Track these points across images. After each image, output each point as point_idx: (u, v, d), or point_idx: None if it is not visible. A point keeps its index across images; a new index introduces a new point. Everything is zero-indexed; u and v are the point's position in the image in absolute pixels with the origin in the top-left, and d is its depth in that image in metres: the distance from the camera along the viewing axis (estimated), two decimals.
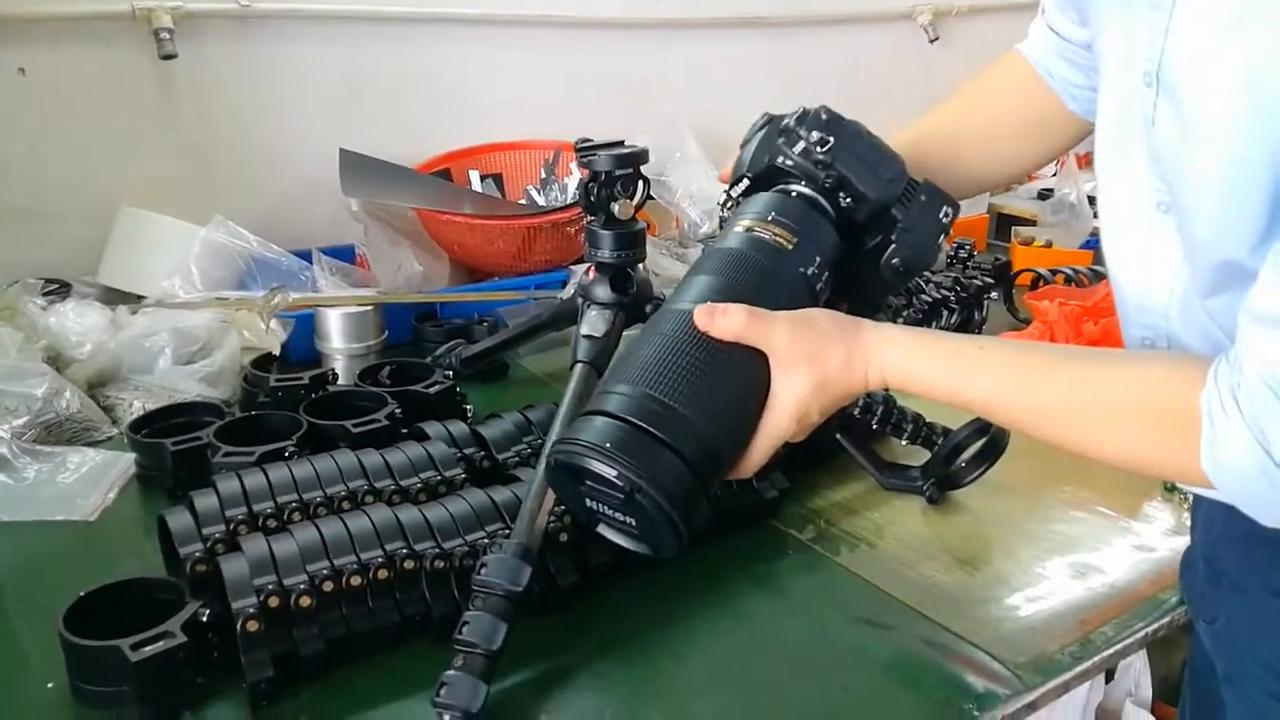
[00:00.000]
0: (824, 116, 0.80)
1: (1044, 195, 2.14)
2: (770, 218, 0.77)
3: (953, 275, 1.64)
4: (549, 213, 1.64)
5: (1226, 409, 0.58)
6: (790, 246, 0.76)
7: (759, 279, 0.74)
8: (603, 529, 0.71)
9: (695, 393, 0.66)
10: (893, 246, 0.79)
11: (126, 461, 1.16)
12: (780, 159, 0.81)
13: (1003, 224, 2.12)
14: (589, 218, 1.05)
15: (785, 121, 0.82)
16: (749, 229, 0.77)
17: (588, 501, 0.70)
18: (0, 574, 0.97)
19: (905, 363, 0.71)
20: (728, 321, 0.69)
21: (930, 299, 1.56)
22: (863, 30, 2.36)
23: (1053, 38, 0.89)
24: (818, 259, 0.77)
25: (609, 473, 0.64)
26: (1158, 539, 1.03)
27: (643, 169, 1.03)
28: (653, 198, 1.94)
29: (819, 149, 0.79)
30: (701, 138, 2.03)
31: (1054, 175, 2.36)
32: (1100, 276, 1.58)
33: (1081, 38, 0.84)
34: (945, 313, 1.57)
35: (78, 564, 1.00)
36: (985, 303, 1.62)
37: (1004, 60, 0.94)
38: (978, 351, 0.70)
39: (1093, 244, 1.89)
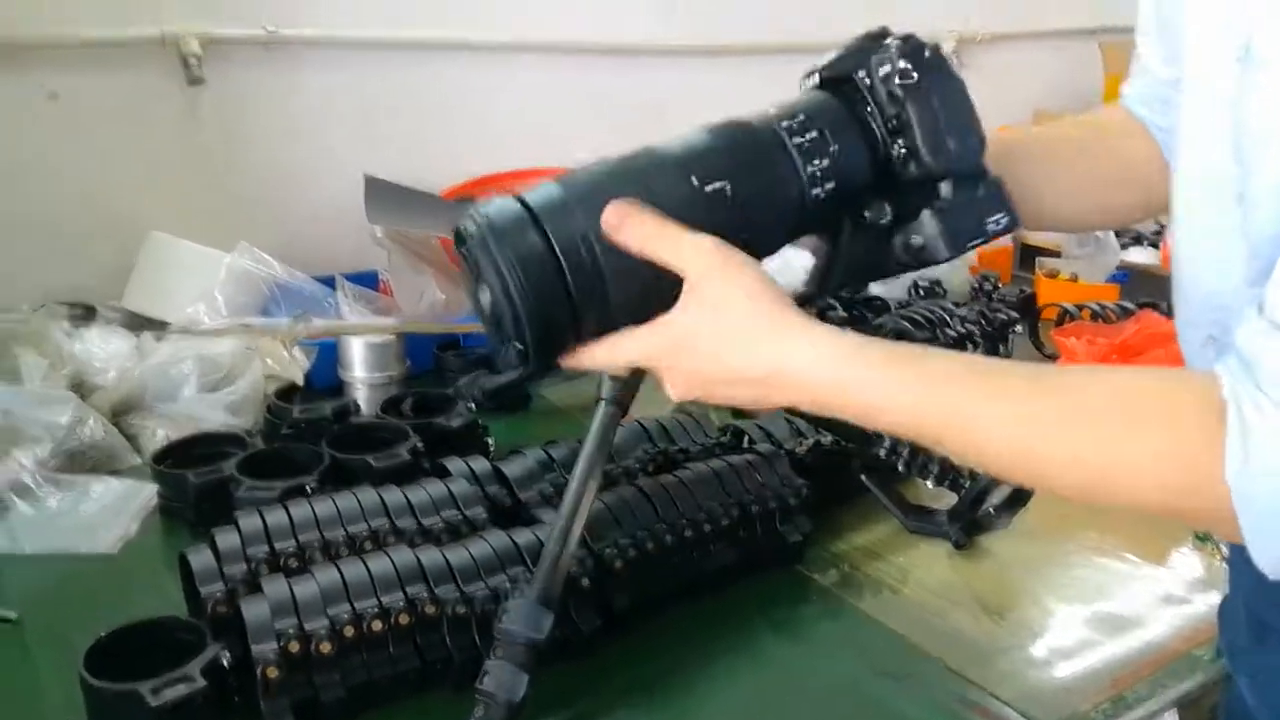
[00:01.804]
0: (926, 54, 0.70)
1: None
2: (802, 118, 0.70)
3: (977, 308, 1.62)
4: None
5: (1261, 405, 0.51)
6: (809, 158, 0.69)
7: (751, 168, 0.68)
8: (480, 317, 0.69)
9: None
10: (916, 223, 0.70)
11: (149, 492, 1.15)
12: (860, 72, 0.71)
13: (1027, 255, 2.10)
14: None
15: (890, 38, 0.73)
16: (777, 117, 0.70)
17: (477, 285, 0.67)
18: (22, 607, 0.97)
19: (825, 397, 0.63)
20: (638, 230, 0.64)
21: (955, 333, 1.55)
22: None
23: (1148, 79, 0.85)
24: (829, 185, 0.69)
25: (471, 228, 0.64)
26: (1189, 590, 1.01)
27: None
28: None
29: (897, 80, 0.69)
30: None
31: None
32: (1128, 312, 1.56)
33: (1174, 75, 0.81)
34: (970, 347, 1.55)
35: (99, 598, 1.00)
36: (1010, 337, 1.60)
37: (1108, 106, 0.91)
38: (923, 375, 0.62)
39: (1120, 278, 1.87)
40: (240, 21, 1.60)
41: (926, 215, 0.70)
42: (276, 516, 0.94)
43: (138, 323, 1.52)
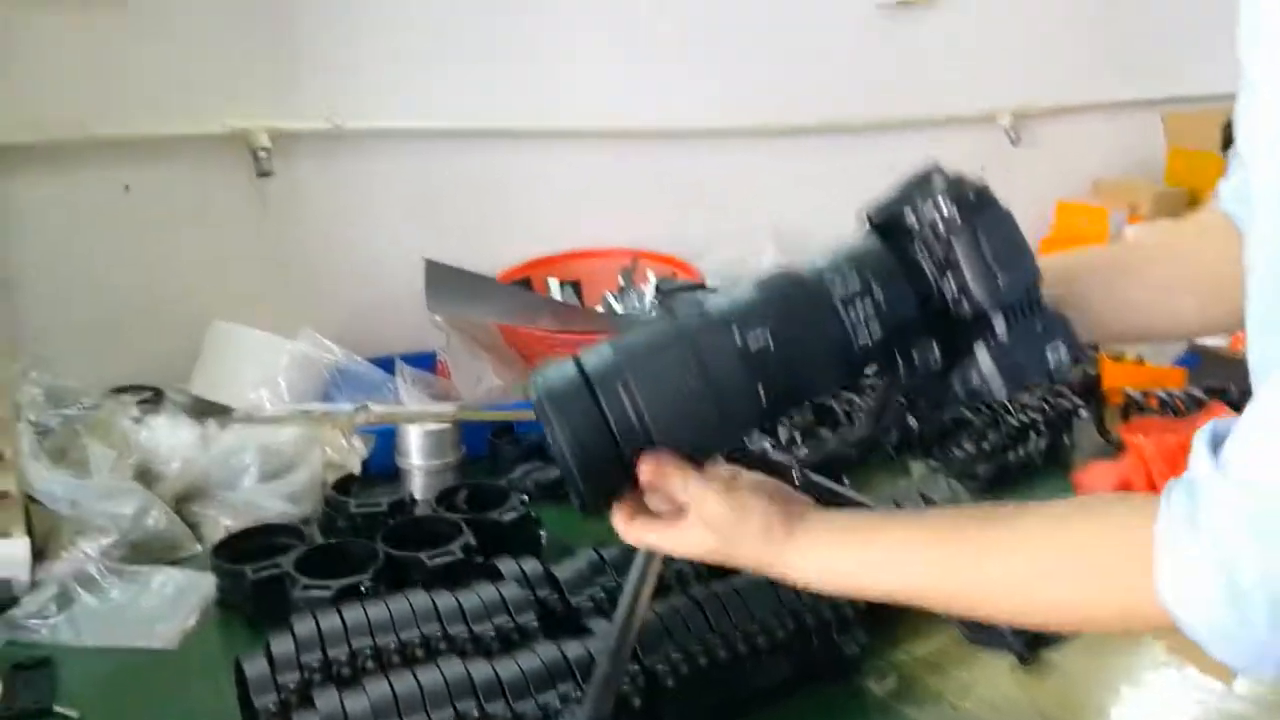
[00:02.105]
0: (971, 194, 0.70)
1: None
2: (847, 269, 0.71)
3: (1040, 394, 1.59)
4: None
5: (1184, 534, 0.56)
6: (853, 309, 0.70)
7: (797, 323, 0.70)
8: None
9: (657, 390, 0.69)
10: (971, 360, 0.70)
11: (208, 584, 1.17)
12: (908, 215, 0.72)
13: None
14: None
15: (935, 178, 0.73)
16: (824, 269, 0.71)
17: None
18: (81, 703, 0.98)
19: (822, 578, 0.73)
20: (666, 483, 0.71)
21: (1017, 422, 1.52)
22: (943, 133, 2.35)
23: (1243, 174, 0.84)
24: (877, 333, 0.70)
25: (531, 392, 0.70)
26: (1259, 710, 0.97)
27: None
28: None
29: (942, 223, 0.69)
30: (781, 246, 2.03)
31: None
32: (1197, 402, 1.52)
33: None
34: (1034, 436, 1.52)
35: (157, 697, 1.01)
36: (1075, 424, 1.57)
37: (1206, 209, 0.88)
38: (900, 546, 0.71)
39: (1187, 362, 1.82)
40: (307, 116, 1.66)
41: (982, 353, 0.69)
42: (330, 621, 0.94)
43: (203, 407, 1.55)
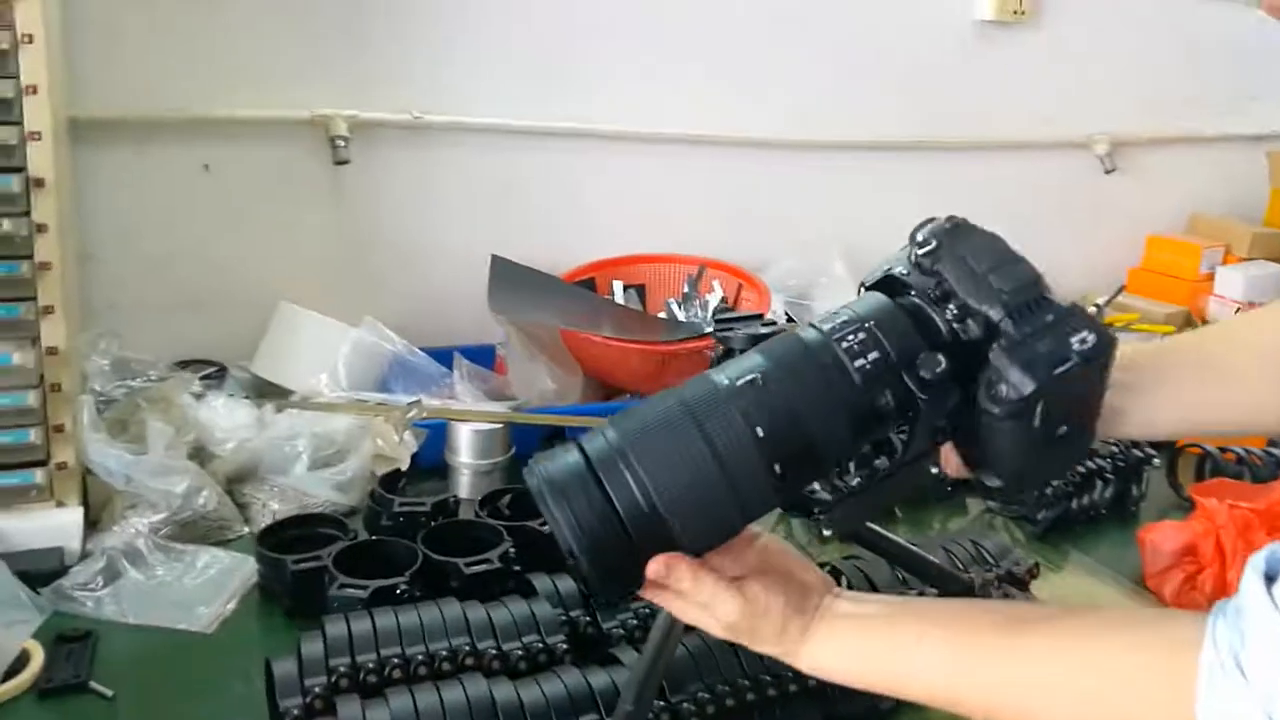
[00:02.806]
0: (947, 225, 0.69)
1: None
2: (845, 318, 0.68)
3: (1112, 442, 1.53)
4: (686, 340, 1.63)
5: (1230, 670, 0.53)
6: (857, 357, 0.66)
7: (800, 380, 0.66)
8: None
9: (663, 466, 0.64)
10: (989, 369, 0.64)
11: (250, 569, 1.19)
12: (895, 266, 0.71)
13: None
14: None
15: (914, 231, 0.71)
16: (822, 323, 0.69)
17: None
18: (115, 683, 1.00)
19: (845, 678, 0.71)
20: (678, 586, 0.67)
21: (1083, 468, 1.46)
22: (1034, 157, 2.27)
23: None
24: (886, 375, 0.66)
25: (531, 482, 0.66)
26: None
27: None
28: (792, 320, 1.93)
29: (927, 255, 0.68)
30: (850, 261, 1.98)
31: None
32: (1278, 463, 1.44)
33: None
34: (1100, 483, 1.46)
35: (189, 680, 1.03)
36: (1145, 474, 1.50)
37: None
38: (916, 644, 0.68)
39: None
40: (389, 106, 1.67)
41: (995, 354, 0.64)
42: (362, 625, 0.95)
43: (262, 386, 1.58)
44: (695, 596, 0.68)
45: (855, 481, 0.70)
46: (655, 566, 0.65)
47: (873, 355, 0.66)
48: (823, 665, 0.71)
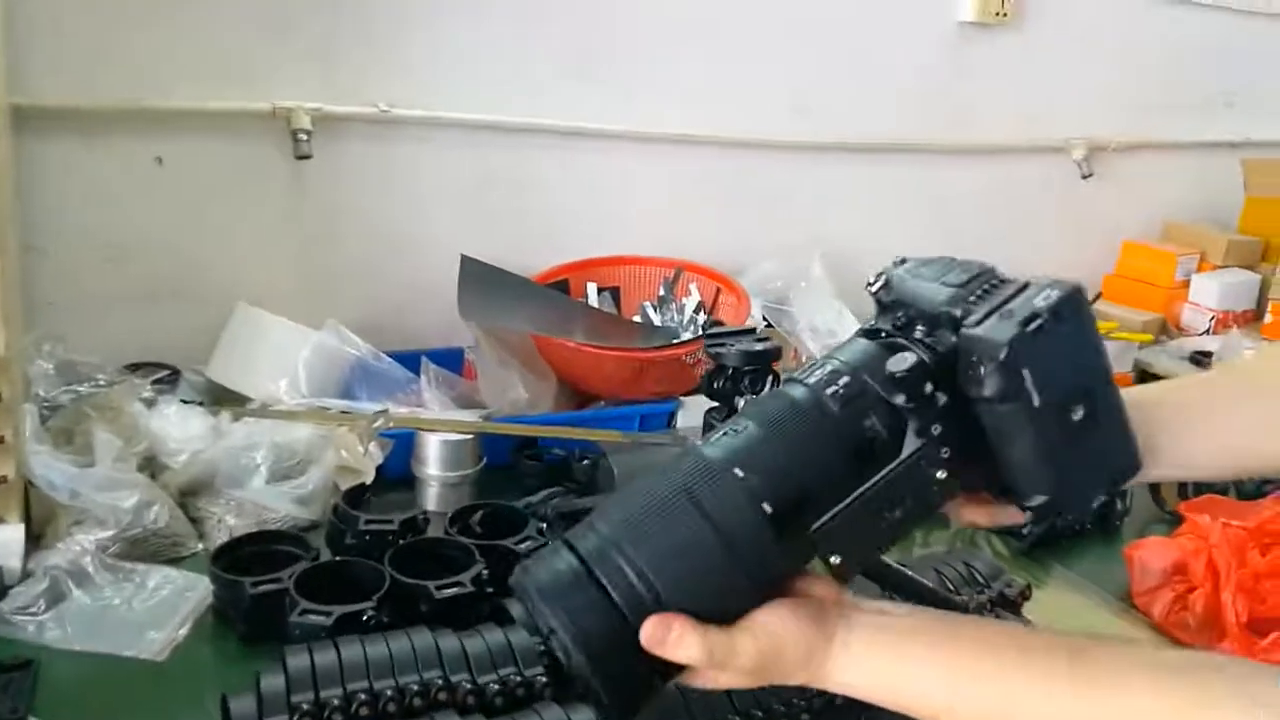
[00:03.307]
0: (893, 262, 0.70)
1: (1199, 359, 1.97)
2: (828, 369, 0.66)
3: None
4: (664, 348, 1.57)
5: None
6: (829, 385, 0.65)
7: (792, 435, 0.64)
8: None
9: (671, 553, 0.60)
10: (962, 355, 0.62)
11: (204, 590, 1.12)
12: (874, 320, 0.70)
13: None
14: (710, 404, 0.97)
15: None
16: (802, 379, 0.67)
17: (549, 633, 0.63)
18: (58, 716, 0.93)
19: (872, 691, 0.66)
20: (683, 651, 0.61)
21: None
22: (1012, 161, 2.25)
23: None
24: (864, 396, 0.65)
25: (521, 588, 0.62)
26: None
27: (774, 366, 0.95)
28: (770, 325, 1.88)
29: (875, 289, 0.69)
30: (830, 265, 1.94)
31: (1206, 332, 2.20)
32: (1262, 484, 1.42)
33: None
34: None
35: (138, 713, 0.96)
36: (1129, 489, 1.48)
37: None
38: (962, 672, 0.63)
39: None
40: (354, 99, 1.60)
41: (963, 338, 0.62)
42: (326, 657, 0.88)
43: (217, 391, 1.50)
44: (704, 660, 0.62)
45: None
46: (650, 628, 0.60)
47: (844, 380, 0.64)
48: (854, 684, 0.66)
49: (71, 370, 1.36)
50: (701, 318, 1.74)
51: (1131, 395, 0.69)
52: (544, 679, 0.91)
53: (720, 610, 0.62)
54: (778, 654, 0.64)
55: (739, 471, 0.62)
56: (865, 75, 2.02)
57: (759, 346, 0.93)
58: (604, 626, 0.60)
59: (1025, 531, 1.38)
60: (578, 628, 0.59)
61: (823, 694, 0.91)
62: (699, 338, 1.56)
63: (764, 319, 1.82)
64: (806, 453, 0.63)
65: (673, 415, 1.60)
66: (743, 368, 0.92)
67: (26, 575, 1.11)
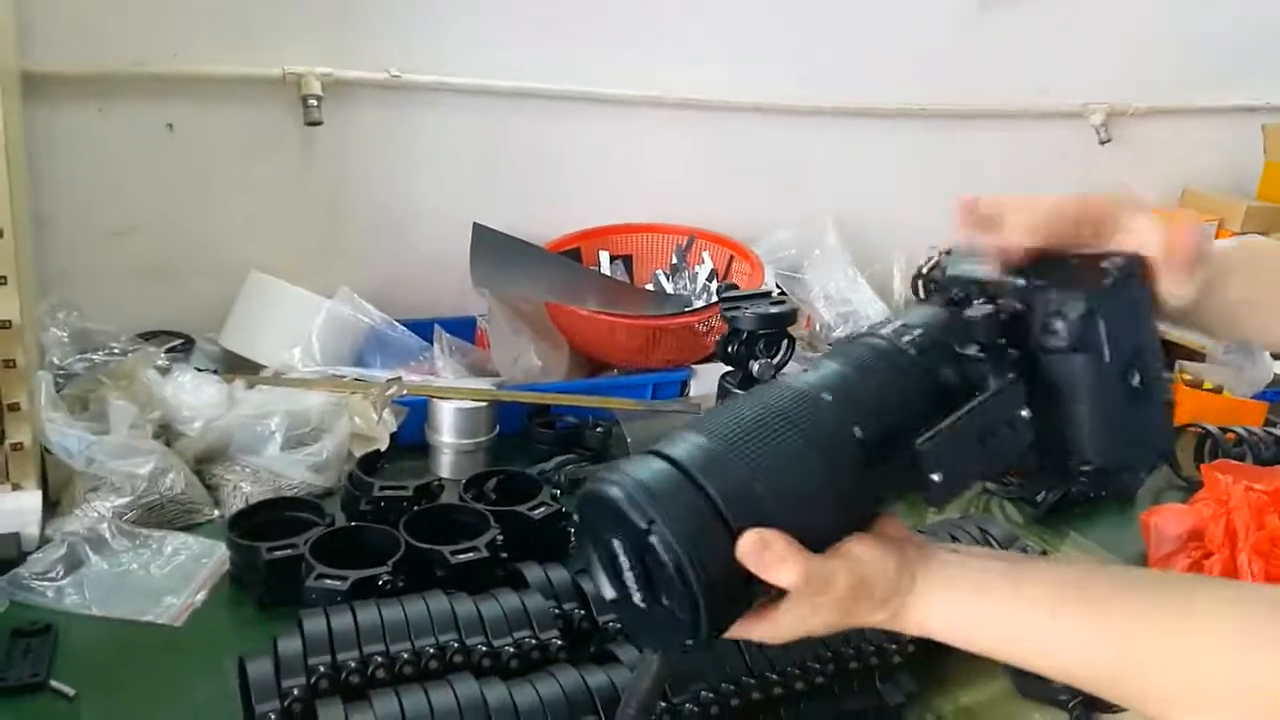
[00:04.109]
0: (940, 250, 0.71)
1: None
2: (901, 325, 0.67)
3: None
4: (677, 315, 1.57)
5: None
6: (904, 335, 0.65)
7: (884, 377, 0.63)
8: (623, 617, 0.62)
9: (771, 467, 0.57)
10: (1035, 312, 0.63)
11: (220, 556, 1.12)
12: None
13: (1166, 353, 1.94)
14: (725, 369, 0.97)
15: None
16: (877, 332, 0.67)
17: (616, 565, 0.58)
18: (77, 680, 0.93)
19: (951, 635, 0.63)
20: (783, 571, 0.56)
21: None
22: (1030, 126, 2.22)
23: None
24: (938, 346, 0.65)
25: (614, 491, 0.55)
26: None
27: (790, 329, 0.94)
28: (785, 293, 1.86)
29: (928, 270, 0.70)
30: (845, 232, 1.93)
31: None
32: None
33: None
34: None
35: (156, 677, 0.96)
36: None
37: None
38: (1049, 619, 0.60)
39: (1270, 396, 1.71)
40: (365, 64, 1.58)
41: (1039, 297, 0.62)
42: (342, 621, 0.89)
43: (231, 359, 1.50)
44: (800, 579, 0.57)
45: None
46: (749, 542, 0.55)
47: (918, 332, 0.65)
48: (933, 628, 0.62)
49: (86, 338, 1.36)
50: (714, 285, 1.73)
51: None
52: (559, 642, 0.91)
53: (816, 534, 0.59)
54: (868, 588, 0.60)
55: (827, 395, 0.60)
56: (881, 40, 1.99)
57: (775, 310, 0.92)
58: (708, 532, 0.55)
59: (1039, 499, 1.38)
60: (684, 525, 0.54)
61: (838, 663, 0.91)
62: (712, 305, 1.56)
63: (777, 287, 1.81)
64: (891, 388, 0.62)
65: (685, 383, 1.59)
66: (758, 331, 0.91)
67: (45, 541, 1.11)
